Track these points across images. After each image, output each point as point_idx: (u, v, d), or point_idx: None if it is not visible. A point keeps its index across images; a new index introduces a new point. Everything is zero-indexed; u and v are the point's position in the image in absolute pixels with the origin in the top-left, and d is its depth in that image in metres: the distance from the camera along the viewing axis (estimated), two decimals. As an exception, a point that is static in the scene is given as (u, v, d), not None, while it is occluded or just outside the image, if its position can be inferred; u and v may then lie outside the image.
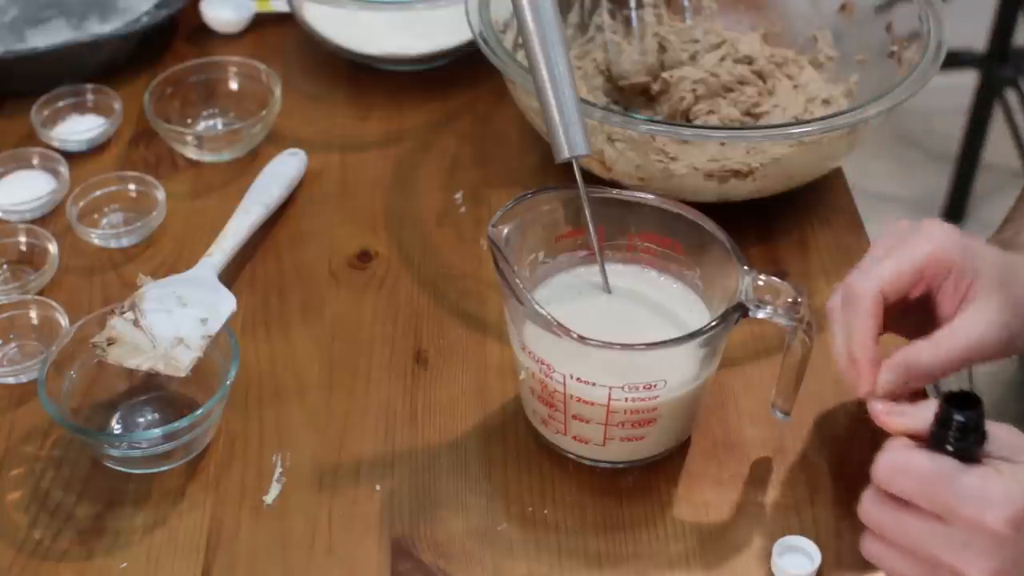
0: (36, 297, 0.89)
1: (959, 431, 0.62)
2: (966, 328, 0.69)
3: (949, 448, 0.63)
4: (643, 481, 0.79)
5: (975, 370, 1.08)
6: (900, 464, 0.64)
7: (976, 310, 0.69)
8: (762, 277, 0.73)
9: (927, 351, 0.69)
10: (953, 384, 0.99)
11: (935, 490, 0.62)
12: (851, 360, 0.71)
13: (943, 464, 0.62)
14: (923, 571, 0.64)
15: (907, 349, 0.69)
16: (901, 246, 0.71)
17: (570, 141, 0.77)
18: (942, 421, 0.63)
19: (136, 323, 0.81)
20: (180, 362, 0.79)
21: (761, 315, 0.73)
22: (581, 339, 0.71)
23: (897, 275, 0.70)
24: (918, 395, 0.75)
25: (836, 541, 0.75)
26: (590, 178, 0.83)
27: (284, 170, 0.99)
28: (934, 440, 0.64)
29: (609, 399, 0.73)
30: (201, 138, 1.03)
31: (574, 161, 0.77)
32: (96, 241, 0.96)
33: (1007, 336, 0.69)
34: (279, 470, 0.80)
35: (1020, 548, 0.61)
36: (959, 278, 0.70)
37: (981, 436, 0.63)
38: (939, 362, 0.68)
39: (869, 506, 0.66)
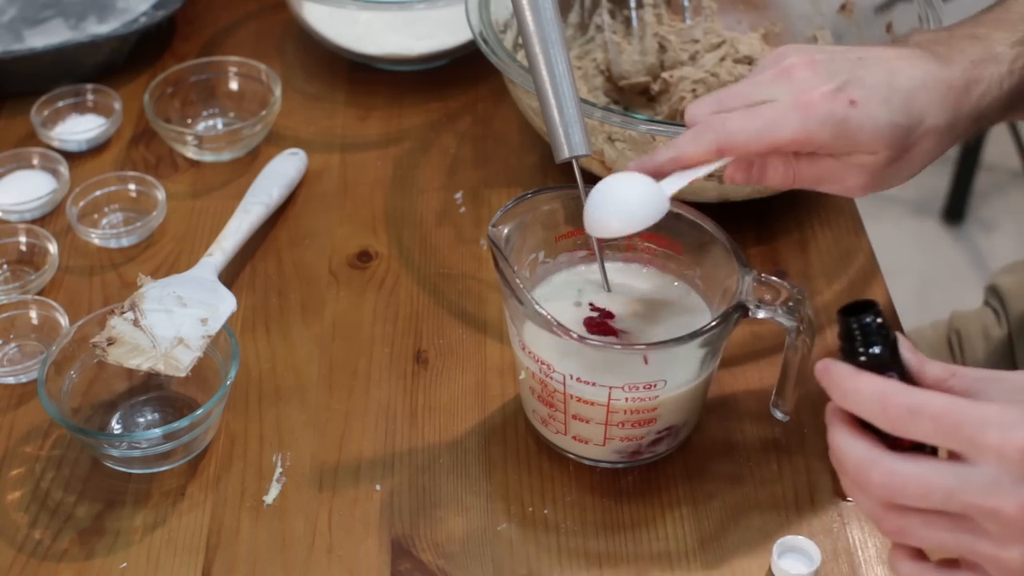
0: (36, 297, 0.89)
1: (862, 335, 0.60)
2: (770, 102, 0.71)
3: (862, 359, 0.60)
4: (643, 481, 0.79)
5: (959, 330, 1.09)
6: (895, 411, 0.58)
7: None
8: (762, 277, 0.73)
9: (736, 116, 0.70)
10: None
11: (950, 423, 0.56)
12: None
13: (936, 399, 0.57)
14: (949, 529, 0.57)
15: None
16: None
17: (570, 141, 0.77)
18: (845, 333, 0.61)
19: (136, 323, 0.81)
20: (180, 362, 0.79)
21: (761, 315, 0.73)
22: (581, 339, 0.71)
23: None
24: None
25: (836, 541, 0.75)
26: (590, 178, 0.82)
27: (284, 170, 0.99)
28: (845, 356, 0.61)
29: (609, 399, 0.73)
30: (201, 138, 1.03)
31: (574, 161, 0.77)
32: (96, 241, 0.96)
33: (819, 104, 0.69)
34: (279, 470, 0.80)
35: None
36: None
37: (888, 337, 0.61)
38: (747, 128, 0.70)
39: (875, 475, 0.58)
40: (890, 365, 0.60)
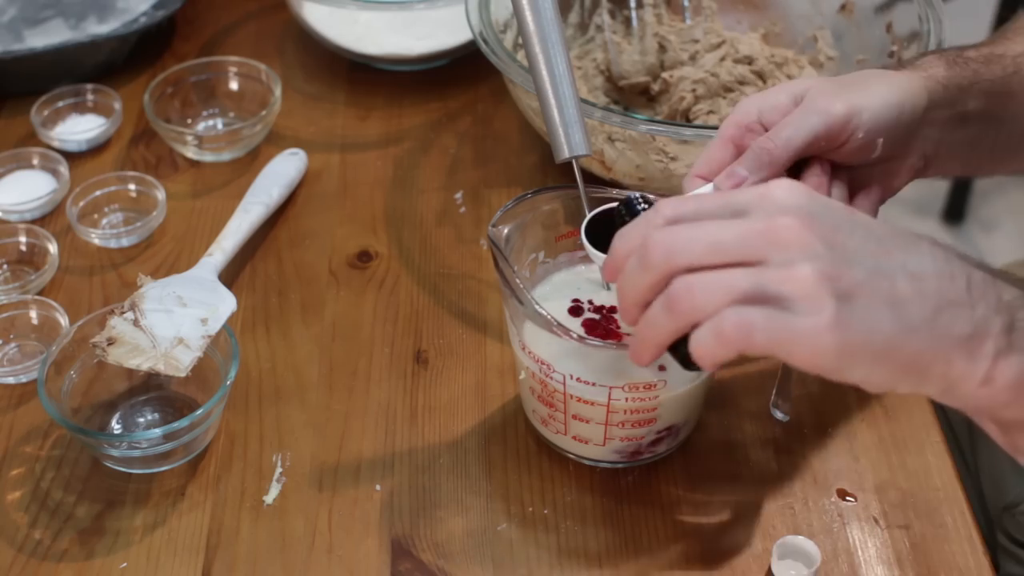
0: (36, 297, 0.89)
1: (636, 204, 0.68)
2: (796, 109, 0.72)
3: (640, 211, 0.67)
4: (643, 481, 0.79)
5: None
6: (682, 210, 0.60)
7: (804, 100, 0.72)
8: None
9: (768, 135, 0.71)
10: None
11: (715, 197, 0.60)
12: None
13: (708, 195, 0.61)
14: (738, 273, 0.56)
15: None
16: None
17: (570, 141, 0.77)
18: (621, 213, 0.68)
19: (136, 323, 0.81)
20: (180, 362, 0.79)
21: (761, 315, 0.72)
22: (581, 339, 0.71)
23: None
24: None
25: (836, 541, 0.75)
26: (590, 178, 0.83)
27: (284, 170, 0.99)
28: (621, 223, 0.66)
29: (609, 399, 0.73)
30: (201, 138, 1.03)
31: (574, 161, 0.77)
32: (96, 241, 0.96)
33: (843, 106, 0.71)
34: (279, 470, 0.80)
35: (817, 201, 0.58)
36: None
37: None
38: (775, 134, 0.71)
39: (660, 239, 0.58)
40: None
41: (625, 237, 0.61)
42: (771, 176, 0.70)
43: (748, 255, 0.56)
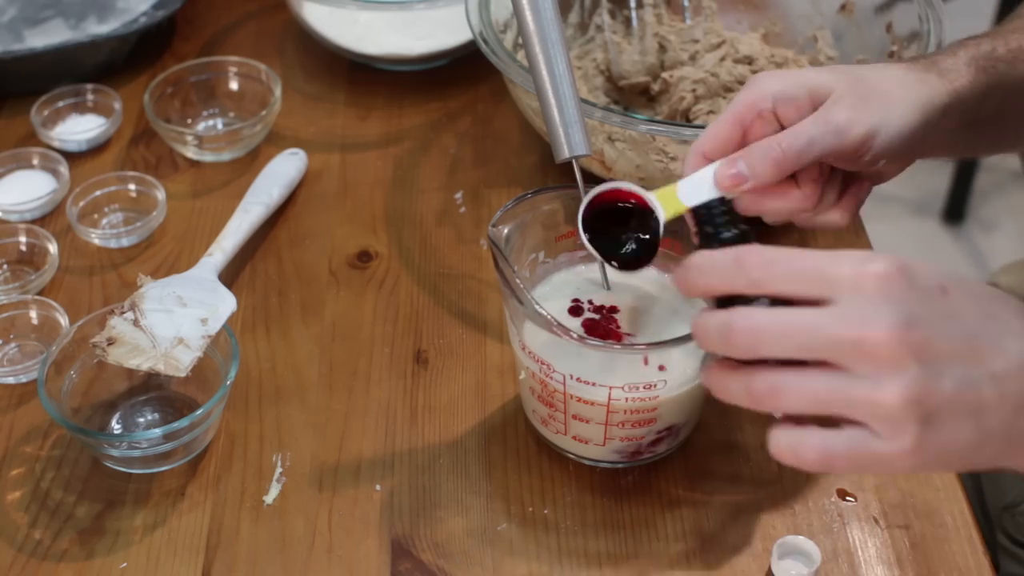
0: (36, 297, 0.89)
1: (718, 216, 0.64)
2: (813, 117, 0.70)
3: (724, 237, 0.64)
4: (643, 481, 0.79)
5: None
6: (765, 262, 0.57)
7: (823, 106, 0.70)
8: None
9: (776, 136, 0.69)
10: None
11: (804, 265, 0.56)
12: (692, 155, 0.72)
13: (791, 250, 0.57)
14: (821, 377, 0.55)
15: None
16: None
17: (570, 141, 0.77)
18: (701, 219, 0.66)
19: (136, 323, 0.81)
20: (180, 362, 0.79)
21: (761, 315, 0.72)
22: (581, 339, 0.71)
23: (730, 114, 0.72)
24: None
25: (836, 541, 0.75)
26: (590, 178, 0.82)
27: (284, 170, 0.99)
28: (704, 240, 0.64)
29: (609, 399, 0.73)
30: (201, 138, 1.03)
31: (574, 161, 0.77)
32: (96, 241, 0.96)
33: (861, 128, 0.69)
34: (279, 470, 0.80)
35: (911, 294, 0.55)
36: (805, 106, 0.71)
37: (741, 221, 0.65)
38: (787, 142, 0.69)
39: (741, 322, 0.57)
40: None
41: (704, 271, 0.58)
42: (772, 178, 0.70)
43: (835, 359, 0.55)
